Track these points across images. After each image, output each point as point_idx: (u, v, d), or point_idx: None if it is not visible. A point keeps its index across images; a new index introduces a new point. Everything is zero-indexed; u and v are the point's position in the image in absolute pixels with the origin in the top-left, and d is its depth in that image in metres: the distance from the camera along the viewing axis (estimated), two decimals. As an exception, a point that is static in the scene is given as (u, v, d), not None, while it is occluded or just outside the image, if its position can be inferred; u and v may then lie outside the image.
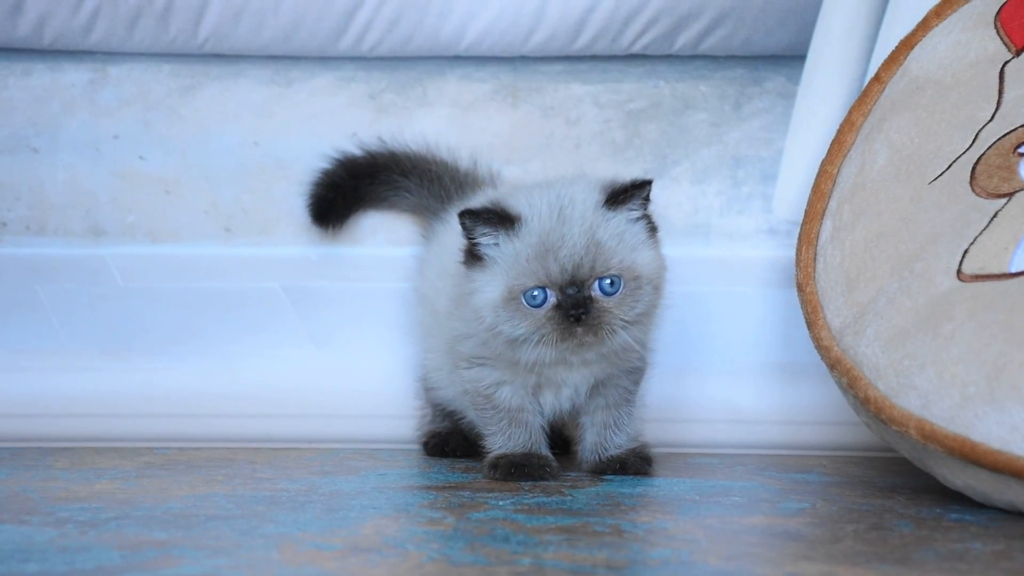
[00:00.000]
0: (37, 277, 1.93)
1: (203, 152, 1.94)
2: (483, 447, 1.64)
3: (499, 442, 1.61)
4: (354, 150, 1.89)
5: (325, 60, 1.95)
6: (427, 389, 1.83)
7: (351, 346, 1.93)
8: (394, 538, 1.24)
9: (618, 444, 1.64)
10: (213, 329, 1.93)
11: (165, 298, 1.93)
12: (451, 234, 1.67)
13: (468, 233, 1.54)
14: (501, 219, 1.53)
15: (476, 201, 1.62)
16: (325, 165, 1.89)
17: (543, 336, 1.52)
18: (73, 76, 1.94)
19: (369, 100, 1.95)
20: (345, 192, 1.89)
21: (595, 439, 1.65)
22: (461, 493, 1.49)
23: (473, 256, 1.55)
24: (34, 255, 1.93)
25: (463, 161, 1.90)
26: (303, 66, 1.95)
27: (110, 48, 1.93)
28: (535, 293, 1.52)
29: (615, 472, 1.63)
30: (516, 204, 1.55)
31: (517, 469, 1.58)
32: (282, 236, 1.94)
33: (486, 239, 1.54)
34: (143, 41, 1.92)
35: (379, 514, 1.35)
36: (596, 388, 1.63)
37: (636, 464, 1.63)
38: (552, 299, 1.52)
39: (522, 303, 1.52)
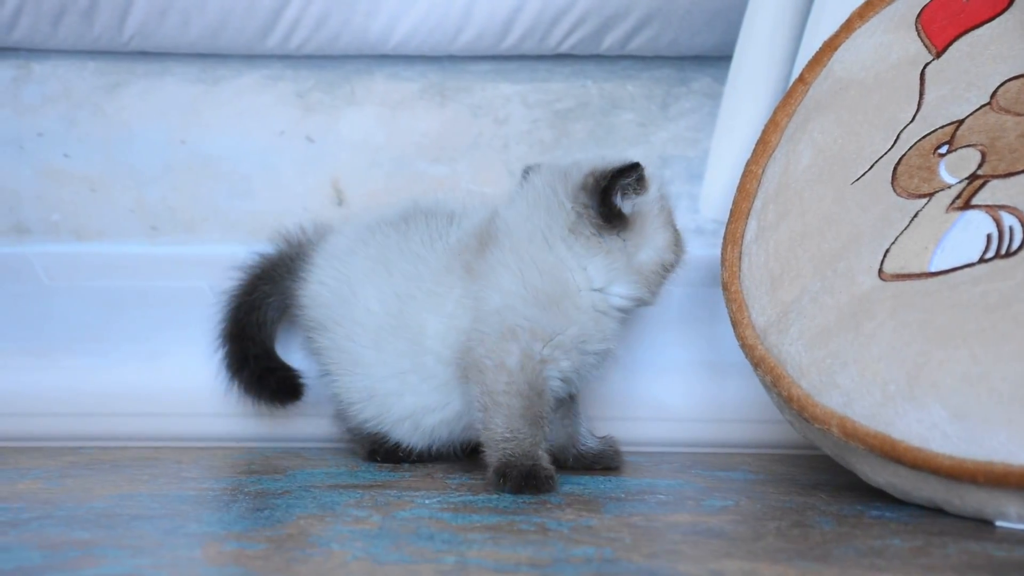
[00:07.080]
0: (-41, 275, 1.91)
1: (129, 150, 1.93)
2: None
3: None
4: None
5: (252, 58, 1.94)
6: (347, 421, 1.74)
7: (278, 345, 1.92)
8: (319, 537, 1.24)
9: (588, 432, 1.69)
10: (139, 328, 1.91)
11: (90, 297, 1.92)
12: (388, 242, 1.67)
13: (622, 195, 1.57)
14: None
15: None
16: None
17: None
18: (-4, 72, 1.92)
19: (296, 98, 1.94)
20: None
21: (576, 429, 1.68)
22: (388, 492, 1.49)
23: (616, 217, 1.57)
24: (-44, 253, 1.91)
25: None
26: (230, 64, 1.94)
27: (34, 45, 1.91)
28: None
29: (589, 466, 1.66)
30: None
31: None
32: (209, 234, 1.93)
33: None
34: (67, 38, 1.91)
35: (304, 513, 1.35)
36: None
37: (615, 459, 1.69)
38: None
39: None
